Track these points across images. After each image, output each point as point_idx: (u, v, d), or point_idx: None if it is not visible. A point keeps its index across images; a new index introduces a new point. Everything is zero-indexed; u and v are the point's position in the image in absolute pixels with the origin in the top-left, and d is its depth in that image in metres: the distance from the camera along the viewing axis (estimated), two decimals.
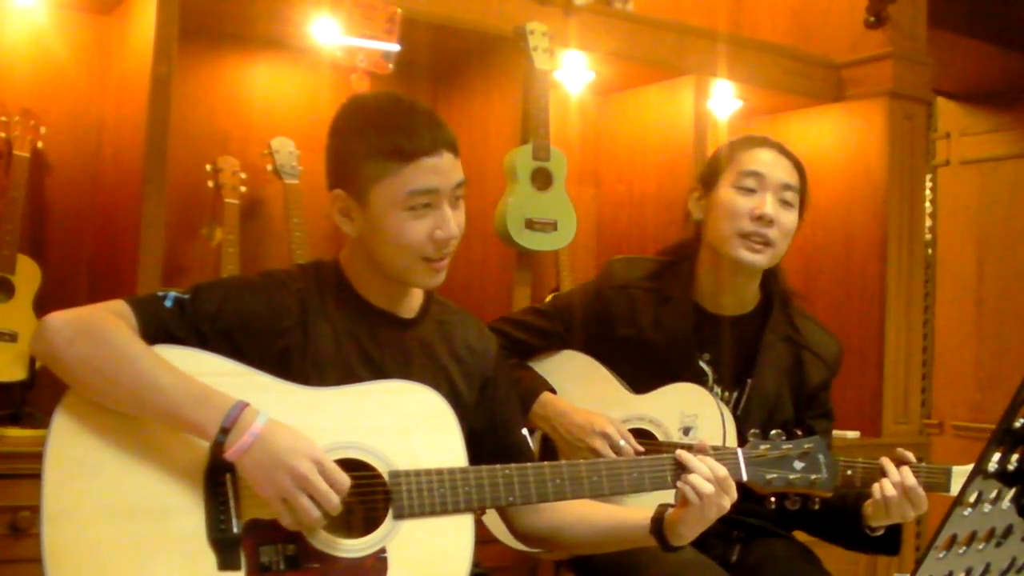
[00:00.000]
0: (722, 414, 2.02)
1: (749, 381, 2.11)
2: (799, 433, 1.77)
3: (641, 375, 2.11)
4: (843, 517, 1.95)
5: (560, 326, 2.21)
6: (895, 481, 1.83)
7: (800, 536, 2.18)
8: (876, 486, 1.85)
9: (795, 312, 2.18)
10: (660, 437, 2.06)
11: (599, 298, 2.19)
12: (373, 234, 1.64)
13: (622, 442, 2.00)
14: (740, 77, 3.37)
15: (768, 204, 2.05)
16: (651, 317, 2.13)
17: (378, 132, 1.62)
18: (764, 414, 2.09)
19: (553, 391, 2.14)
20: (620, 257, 2.29)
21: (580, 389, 2.13)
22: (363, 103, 1.74)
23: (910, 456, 1.87)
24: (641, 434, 2.07)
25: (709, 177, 2.15)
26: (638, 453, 2.01)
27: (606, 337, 2.16)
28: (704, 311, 2.14)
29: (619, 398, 2.11)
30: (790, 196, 2.08)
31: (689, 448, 1.94)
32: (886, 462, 1.87)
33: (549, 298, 2.95)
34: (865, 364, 3.46)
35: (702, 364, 2.12)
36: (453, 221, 1.65)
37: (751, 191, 2.07)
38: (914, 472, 1.84)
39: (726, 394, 2.12)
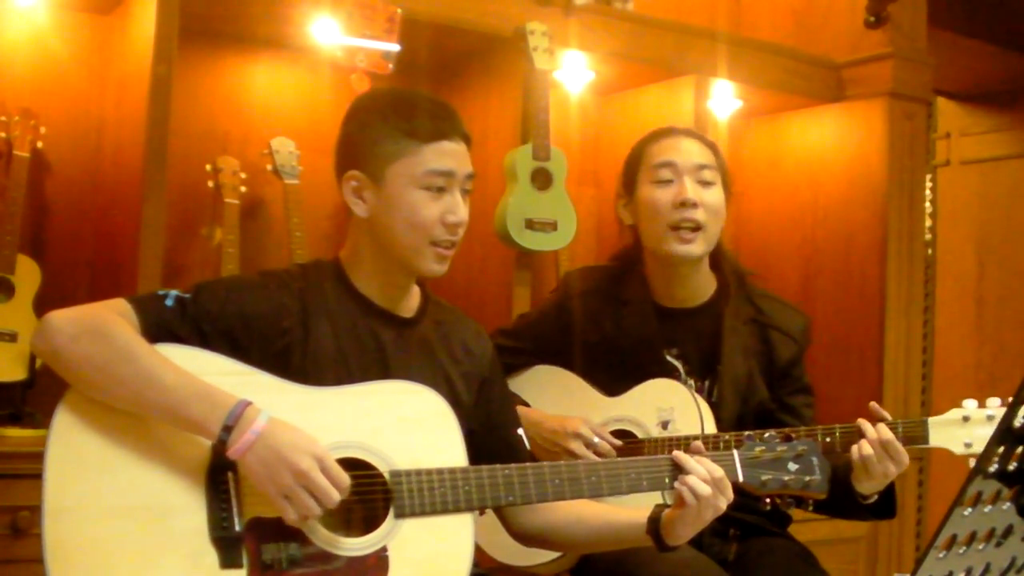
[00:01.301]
0: (697, 403, 2.04)
1: (719, 368, 2.12)
2: (793, 436, 1.78)
3: (614, 379, 2.13)
4: (835, 488, 1.95)
5: (528, 344, 2.25)
6: (872, 439, 1.84)
7: (801, 535, 2.18)
8: (854, 448, 1.86)
9: (754, 292, 2.20)
10: (640, 435, 2.08)
11: (561, 311, 2.23)
12: (386, 213, 1.67)
13: (596, 439, 2.02)
14: (740, 77, 3.37)
15: (688, 188, 2.07)
16: (613, 321, 2.16)
17: (398, 113, 1.67)
18: (738, 398, 2.10)
19: (527, 405, 2.16)
20: (575, 269, 2.33)
21: (556, 401, 2.16)
22: (381, 91, 1.82)
23: (885, 413, 1.88)
24: (622, 435, 2.08)
25: (628, 181, 2.18)
26: (615, 448, 2.03)
27: (574, 348, 2.19)
28: (663, 308, 2.16)
29: (595, 404, 2.13)
30: (708, 175, 2.10)
31: (670, 442, 1.95)
32: (862, 422, 1.88)
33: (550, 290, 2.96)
34: (865, 364, 3.45)
35: (671, 359, 2.14)
36: (463, 208, 1.69)
37: (668, 182, 2.10)
38: (890, 427, 1.85)
39: (699, 384, 2.13)
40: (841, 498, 1.95)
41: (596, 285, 2.22)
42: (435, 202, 1.67)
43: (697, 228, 2.07)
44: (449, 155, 1.67)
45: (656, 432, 2.05)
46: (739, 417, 2.08)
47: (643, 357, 2.12)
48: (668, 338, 2.14)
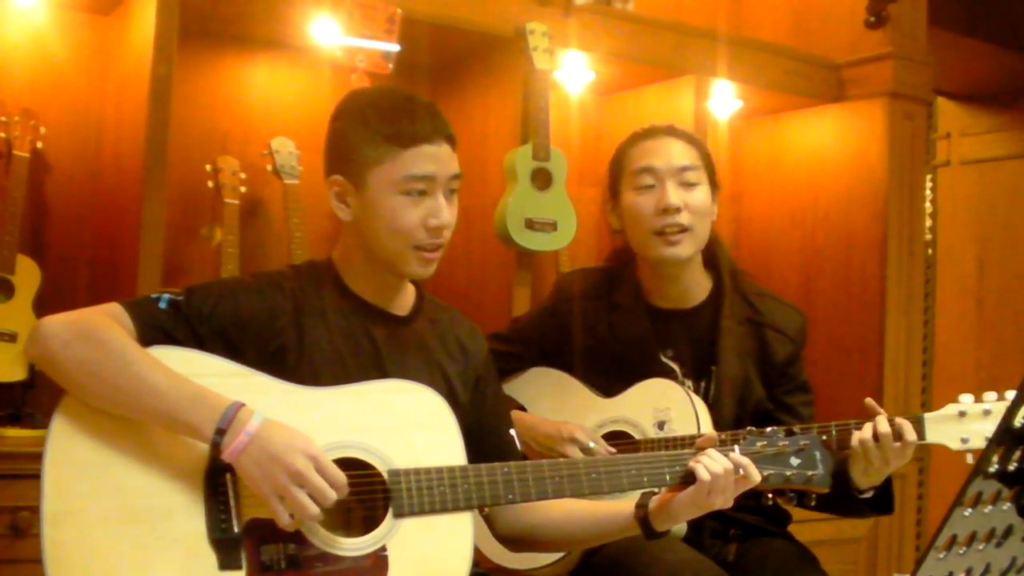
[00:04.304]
0: (692, 402, 2.03)
1: (714, 369, 2.12)
2: (795, 430, 1.78)
3: (611, 382, 2.13)
4: (832, 484, 1.95)
5: (522, 348, 2.25)
6: (866, 436, 1.84)
7: (801, 535, 2.18)
8: (856, 433, 1.85)
9: (750, 291, 2.18)
10: (637, 436, 2.08)
11: (554, 315, 2.22)
12: (368, 219, 1.67)
13: (592, 444, 2.02)
14: (740, 77, 3.37)
15: (670, 194, 2.06)
16: (607, 325, 2.16)
17: (379, 117, 1.66)
18: (734, 399, 2.10)
19: (523, 409, 2.16)
20: (568, 271, 2.32)
21: (553, 403, 2.16)
22: (365, 92, 1.80)
23: (880, 409, 1.87)
24: (618, 436, 2.08)
25: (612, 186, 2.18)
26: (610, 453, 2.02)
27: (568, 350, 2.19)
28: (657, 309, 2.16)
29: (592, 405, 2.13)
30: (691, 176, 2.09)
31: (667, 442, 1.95)
32: (870, 403, 1.88)
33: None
34: (865, 364, 3.45)
35: (667, 361, 2.14)
36: (446, 210, 1.67)
37: (650, 187, 2.08)
38: (888, 422, 1.85)
39: (695, 385, 2.13)
40: (838, 494, 1.95)
41: (589, 288, 2.21)
42: (416, 207, 1.65)
43: (683, 230, 2.06)
44: (429, 159, 1.65)
45: (652, 432, 2.05)
46: (737, 418, 2.07)
47: (638, 360, 2.12)
48: (662, 340, 2.14)
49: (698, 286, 2.17)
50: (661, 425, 2.04)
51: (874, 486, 1.92)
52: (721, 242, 2.20)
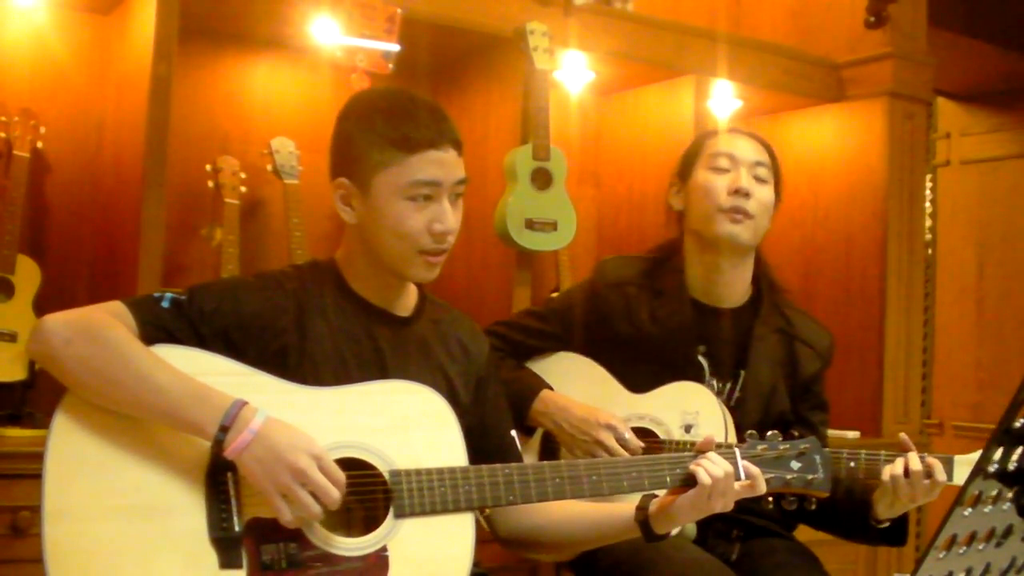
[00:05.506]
0: (723, 412, 2.03)
1: (743, 373, 2.12)
2: (796, 434, 1.78)
3: (640, 370, 2.12)
4: (851, 509, 1.95)
5: (557, 327, 2.23)
6: (897, 472, 1.84)
7: (802, 535, 2.18)
8: (887, 468, 1.86)
9: (785, 304, 2.20)
10: (662, 435, 2.07)
11: (594, 297, 2.20)
12: (373, 223, 1.66)
13: (627, 434, 2.01)
14: (740, 77, 3.37)
15: (743, 178, 2.10)
16: (647, 312, 2.15)
17: (385, 121, 1.65)
18: (759, 406, 2.10)
19: (551, 388, 2.14)
20: (612, 256, 2.31)
21: (580, 390, 2.14)
22: (372, 94, 1.78)
23: (912, 445, 1.88)
24: (643, 433, 2.07)
25: (684, 168, 2.20)
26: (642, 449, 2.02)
27: (603, 335, 2.17)
28: (699, 303, 2.16)
29: (619, 398, 2.12)
30: (763, 172, 2.13)
31: (691, 446, 1.94)
32: (904, 437, 1.90)
33: (555, 294, 2.95)
34: (865, 364, 3.46)
35: (699, 357, 2.13)
36: (451, 216, 1.67)
37: (725, 170, 2.12)
38: (919, 459, 1.85)
39: (720, 386, 2.13)
40: (854, 521, 1.97)
41: (632, 275, 2.20)
42: (420, 212, 1.65)
43: (748, 216, 2.09)
44: (436, 164, 1.64)
45: (678, 434, 2.04)
46: (760, 425, 2.06)
47: (673, 351, 2.11)
48: (699, 335, 2.14)
49: (741, 288, 2.17)
50: (688, 428, 2.04)
51: (891, 518, 1.94)
52: (765, 254, 2.22)
